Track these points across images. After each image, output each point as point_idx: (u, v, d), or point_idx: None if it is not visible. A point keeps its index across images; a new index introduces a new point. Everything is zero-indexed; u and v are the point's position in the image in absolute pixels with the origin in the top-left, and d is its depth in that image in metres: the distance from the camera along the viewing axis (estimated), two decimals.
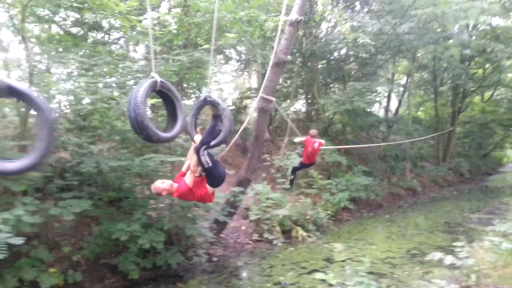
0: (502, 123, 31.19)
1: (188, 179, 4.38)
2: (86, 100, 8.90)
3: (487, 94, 31.01)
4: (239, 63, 20.92)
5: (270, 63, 7.82)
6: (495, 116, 29.63)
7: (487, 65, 25.25)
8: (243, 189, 9.89)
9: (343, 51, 18.31)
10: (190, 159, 4.50)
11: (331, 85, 22.46)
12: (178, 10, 8.62)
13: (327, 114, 18.46)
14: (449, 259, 7.17)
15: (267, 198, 12.46)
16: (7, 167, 3.24)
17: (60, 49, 12.11)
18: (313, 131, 8.68)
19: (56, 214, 6.88)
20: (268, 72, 7.95)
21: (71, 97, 9.07)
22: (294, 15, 8.47)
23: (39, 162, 3.18)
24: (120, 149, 9.54)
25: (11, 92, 3.16)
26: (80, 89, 8.52)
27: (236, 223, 11.84)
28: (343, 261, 10.03)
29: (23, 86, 3.20)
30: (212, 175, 4.47)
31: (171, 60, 8.15)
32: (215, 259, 9.76)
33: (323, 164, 16.56)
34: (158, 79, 4.29)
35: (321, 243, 11.81)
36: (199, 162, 4.34)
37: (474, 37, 20.10)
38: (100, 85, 8.40)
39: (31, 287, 7.18)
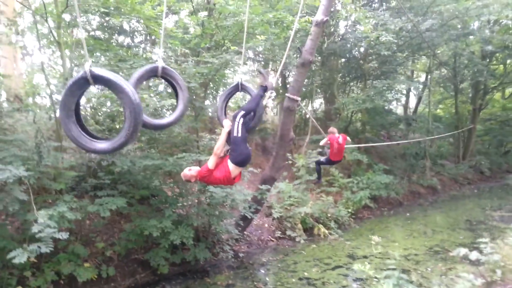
0: None
1: (210, 162, 4.38)
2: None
3: (508, 91, 30.54)
4: (257, 63, 21.13)
5: (295, 63, 8.02)
6: None
7: (508, 61, 24.92)
8: (269, 187, 10.09)
9: (362, 50, 18.41)
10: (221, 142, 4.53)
11: (350, 84, 22.55)
12: (205, 13, 8.81)
13: (347, 112, 18.53)
14: (474, 255, 7.22)
15: (289, 196, 12.66)
16: (100, 147, 3.58)
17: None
18: (332, 129, 8.75)
19: (93, 211, 7.19)
20: (294, 72, 8.14)
21: (101, 99, 9.45)
22: (319, 16, 8.63)
23: (126, 140, 3.39)
24: (147, 149, 9.87)
25: (96, 80, 3.34)
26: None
27: (259, 221, 12.08)
28: (365, 257, 10.20)
29: (107, 73, 3.35)
30: (237, 147, 4.34)
31: (201, 62, 8.40)
32: (241, 255, 10.02)
33: (343, 162, 16.63)
34: (160, 64, 4.31)
35: (343, 240, 11.95)
36: (231, 129, 4.38)
37: (495, 33, 19.83)
38: None
39: (68, 280, 7.57)
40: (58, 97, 8.79)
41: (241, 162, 4.43)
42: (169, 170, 8.79)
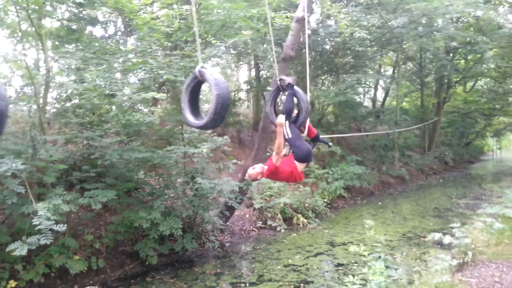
0: (484, 112, 32.37)
1: (274, 158, 4.41)
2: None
3: (469, 85, 32.06)
4: (230, 56, 21.24)
5: (275, 58, 8.28)
6: (477, 106, 30.72)
7: (469, 56, 26.16)
8: None
9: (334, 44, 18.89)
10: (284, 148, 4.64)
11: (322, 77, 23.08)
12: (188, 6, 8.91)
13: (320, 105, 19.03)
14: (447, 239, 7.78)
15: (269, 187, 12.99)
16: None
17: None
18: None
19: (84, 204, 7.25)
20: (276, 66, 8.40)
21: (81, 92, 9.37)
22: (300, 13, 8.94)
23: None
24: (128, 143, 9.91)
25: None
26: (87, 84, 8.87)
27: (240, 211, 12.34)
28: (344, 244, 10.68)
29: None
30: (295, 147, 4.50)
31: (185, 56, 8.53)
32: (227, 244, 10.27)
33: (318, 154, 17.16)
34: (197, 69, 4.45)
35: (321, 228, 12.42)
36: (281, 133, 4.43)
37: (459, 30, 20.85)
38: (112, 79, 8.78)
39: (59, 273, 7.61)
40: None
41: (303, 158, 4.55)
42: (154, 163, 8.93)
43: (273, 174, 4.52)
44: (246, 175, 4.67)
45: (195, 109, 4.15)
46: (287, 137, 4.48)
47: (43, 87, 8.94)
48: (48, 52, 9.89)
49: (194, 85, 4.11)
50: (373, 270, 5.17)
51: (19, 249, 5.43)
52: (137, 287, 7.86)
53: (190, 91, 4.12)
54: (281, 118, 4.51)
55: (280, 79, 4.97)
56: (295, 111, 5.03)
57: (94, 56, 7.81)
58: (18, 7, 8.60)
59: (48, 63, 8.38)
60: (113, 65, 8.86)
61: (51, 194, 6.64)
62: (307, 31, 8.32)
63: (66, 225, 5.84)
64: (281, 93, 5.22)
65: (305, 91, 5.21)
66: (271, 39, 5.84)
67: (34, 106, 8.35)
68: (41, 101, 8.55)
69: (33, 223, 5.38)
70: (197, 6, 9.01)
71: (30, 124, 6.71)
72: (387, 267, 5.37)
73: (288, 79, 4.98)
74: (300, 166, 4.59)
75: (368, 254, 5.91)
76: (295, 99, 4.89)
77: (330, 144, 9.37)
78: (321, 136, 9.75)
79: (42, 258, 7.27)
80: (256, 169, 4.52)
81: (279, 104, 10.01)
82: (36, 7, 8.23)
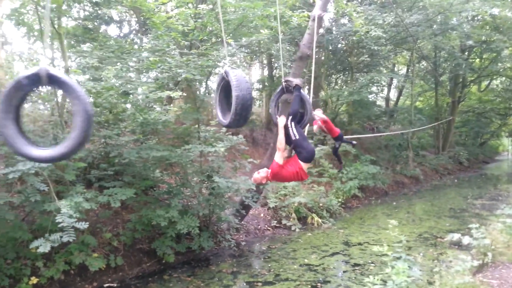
0: (499, 112, 31.99)
1: (278, 157, 4.42)
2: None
3: (484, 84, 31.68)
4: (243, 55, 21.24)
5: (281, 57, 8.26)
6: (492, 105, 30.35)
7: (485, 55, 25.85)
8: None
9: (348, 43, 18.80)
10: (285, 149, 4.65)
11: (335, 76, 23.00)
12: (205, 6, 8.95)
13: (334, 105, 18.96)
14: (467, 239, 7.69)
15: (284, 187, 12.98)
16: (41, 155, 3.11)
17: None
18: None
19: (103, 202, 7.32)
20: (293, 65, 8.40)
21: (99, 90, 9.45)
22: (317, 11, 8.90)
23: (71, 151, 3.03)
24: (144, 141, 9.99)
25: (51, 80, 3.00)
26: (105, 82, 8.95)
27: (254, 211, 12.34)
28: (360, 244, 10.63)
29: (63, 74, 3.05)
30: (301, 148, 4.50)
31: (201, 55, 8.56)
32: (243, 243, 10.29)
33: (332, 154, 17.06)
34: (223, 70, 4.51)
35: (336, 228, 12.37)
36: (287, 135, 4.45)
37: (475, 28, 20.61)
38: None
39: (78, 270, 7.70)
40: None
41: (310, 158, 4.59)
42: (171, 162, 8.99)
43: (278, 175, 4.52)
44: (251, 179, 4.66)
45: (226, 108, 4.17)
46: (293, 138, 4.49)
47: None
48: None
49: (224, 84, 4.14)
50: (397, 270, 5.13)
51: (42, 246, 5.50)
52: (155, 285, 7.90)
53: (220, 91, 4.17)
54: (281, 120, 4.55)
55: (287, 80, 4.98)
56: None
57: (113, 55, 7.86)
58: (38, 7, 8.76)
59: (66, 61, 8.46)
60: (129, 64, 8.95)
61: (72, 192, 6.71)
62: (321, 30, 8.30)
63: (87, 222, 5.88)
64: (284, 94, 5.19)
65: (314, 90, 5.26)
66: (280, 38, 5.82)
67: (54, 105, 8.44)
68: (60, 99, 8.63)
69: (56, 221, 5.44)
70: (213, 5, 9.03)
71: (52, 122, 6.77)
72: (409, 267, 5.33)
73: (296, 81, 4.97)
74: (305, 166, 4.61)
75: (391, 253, 5.85)
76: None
77: (354, 142, 9.25)
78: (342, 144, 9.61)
79: (62, 255, 7.36)
80: (261, 173, 4.50)
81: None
82: (54, 6, 8.33)
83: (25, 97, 3.10)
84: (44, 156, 3.06)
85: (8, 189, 6.63)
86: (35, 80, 2.89)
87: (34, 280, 6.95)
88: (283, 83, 4.97)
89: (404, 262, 5.64)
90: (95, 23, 14.40)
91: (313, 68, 5.72)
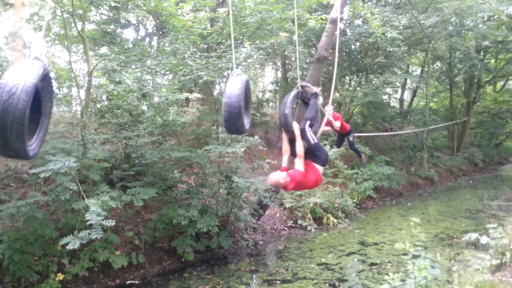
0: None
1: (300, 165, 4.38)
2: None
3: (499, 85, 31.36)
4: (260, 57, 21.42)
5: (297, 59, 8.36)
6: (508, 106, 30.03)
7: (501, 56, 25.62)
8: None
9: (362, 44, 18.84)
10: (287, 152, 4.72)
11: (348, 78, 23.03)
12: (225, 9, 9.13)
13: (348, 106, 19.01)
14: (484, 239, 7.72)
15: None
16: None
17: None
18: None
19: (127, 201, 7.53)
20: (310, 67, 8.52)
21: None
22: (334, 13, 9.00)
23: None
24: (163, 142, 10.22)
25: None
26: (125, 85, 9.21)
27: (270, 211, 12.48)
28: (376, 244, 10.70)
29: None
30: (320, 151, 4.60)
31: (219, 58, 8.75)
32: (260, 242, 10.44)
33: (347, 154, 17.16)
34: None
35: (352, 229, 12.44)
36: (305, 139, 4.49)
37: (491, 29, 20.48)
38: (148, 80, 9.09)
39: (102, 267, 7.93)
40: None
41: (326, 161, 4.74)
42: (190, 162, 9.19)
43: (301, 184, 4.49)
44: (272, 181, 4.48)
45: (245, 112, 4.28)
46: (313, 142, 4.54)
47: (85, 88, 9.30)
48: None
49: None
50: (418, 267, 5.23)
51: (71, 243, 5.71)
52: (176, 283, 8.09)
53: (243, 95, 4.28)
54: (296, 125, 4.60)
55: (306, 87, 5.03)
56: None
57: (136, 58, 8.08)
58: (59, 11, 9.03)
59: (90, 65, 8.71)
60: (150, 67, 9.18)
61: (98, 191, 6.93)
62: (338, 32, 8.38)
63: (113, 220, 6.09)
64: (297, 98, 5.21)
65: (328, 91, 5.34)
66: (296, 40, 5.87)
67: (78, 107, 8.70)
68: (83, 102, 8.89)
69: (86, 218, 5.65)
70: (232, 8, 9.20)
71: (81, 124, 7.01)
72: (431, 265, 5.42)
73: (315, 89, 5.06)
74: (322, 170, 4.68)
75: (412, 250, 5.96)
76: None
77: (363, 159, 9.11)
78: (356, 146, 9.58)
79: (87, 253, 7.59)
80: (278, 174, 4.38)
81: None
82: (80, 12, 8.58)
83: None
84: None
85: (38, 188, 6.88)
86: None
87: (60, 276, 7.20)
88: (301, 88, 5.02)
89: (424, 260, 5.73)
90: (113, 26, 14.73)
91: (335, 70, 5.82)
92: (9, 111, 2.54)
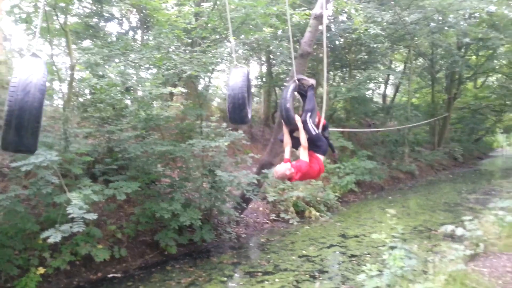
0: (494, 109, 32.39)
1: (305, 156, 4.45)
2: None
3: (480, 81, 32.04)
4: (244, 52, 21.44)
5: (292, 55, 8.46)
6: (488, 102, 30.72)
7: (481, 52, 26.14)
8: (267, 171, 10.63)
9: (348, 40, 19.03)
10: (289, 144, 4.74)
11: (332, 73, 23.23)
12: (209, 3, 9.15)
13: (333, 101, 19.20)
14: (460, 231, 7.97)
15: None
16: None
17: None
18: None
19: (109, 195, 7.55)
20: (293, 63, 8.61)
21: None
22: (318, 9, 9.12)
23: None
24: (146, 136, 10.22)
25: None
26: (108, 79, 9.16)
27: (254, 204, 12.60)
28: (356, 236, 10.92)
29: None
30: (321, 141, 4.68)
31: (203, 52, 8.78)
32: (243, 235, 10.56)
33: (329, 149, 17.33)
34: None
35: (333, 222, 12.66)
36: (307, 131, 4.55)
37: (471, 26, 20.89)
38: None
39: (84, 261, 7.95)
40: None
41: (326, 151, 4.86)
42: (174, 156, 9.24)
43: (307, 174, 4.54)
44: (279, 174, 4.50)
45: (248, 103, 4.35)
46: (314, 133, 4.63)
47: (67, 82, 9.24)
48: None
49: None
50: (394, 257, 5.40)
51: (53, 236, 5.73)
52: (158, 275, 8.14)
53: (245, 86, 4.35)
54: (298, 118, 4.67)
55: (303, 79, 5.13)
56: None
57: (119, 52, 8.06)
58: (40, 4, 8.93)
59: (72, 58, 8.65)
60: (133, 61, 9.16)
61: (80, 185, 6.94)
62: (321, 27, 8.51)
63: (96, 214, 6.12)
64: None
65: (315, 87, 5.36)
66: (289, 35, 5.90)
67: (61, 102, 8.65)
68: (65, 96, 8.84)
69: (67, 212, 5.68)
70: (217, 3, 9.24)
71: (63, 118, 6.99)
72: (404, 256, 5.60)
73: (311, 81, 5.17)
74: (323, 159, 4.80)
75: (390, 241, 6.14)
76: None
77: (336, 154, 9.34)
78: (338, 139, 9.74)
79: (68, 247, 7.59)
80: (285, 166, 4.42)
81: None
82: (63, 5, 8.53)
83: None
84: None
85: (18, 182, 6.85)
86: None
87: (41, 270, 7.20)
88: (297, 81, 5.03)
89: (400, 250, 5.93)
90: (96, 20, 14.56)
91: (325, 66, 5.86)
92: (25, 109, 2.61)
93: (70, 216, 5.80)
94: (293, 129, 4.80)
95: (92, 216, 5.92)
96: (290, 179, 4.54)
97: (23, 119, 2.61)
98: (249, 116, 4.49)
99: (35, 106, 2.64)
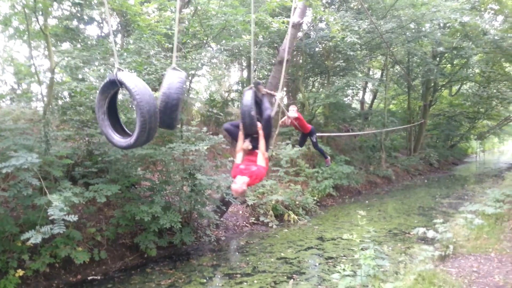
0: (468, 115, 33.38)
1: (262, 161, 4.69)
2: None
3: (454, 89, 32.99)
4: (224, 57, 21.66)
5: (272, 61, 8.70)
6: (462, 109, 31.66)
7: (455, 61, 26.98)
8: None
9: (325, 47, 19.45)
10: (242, 151, 4.96)
11: (312, 79, 23.65)
12: (189, 10, 9.33)
13: (312, 107, 19.56)
14: (431, 233, 8.32)
15: (262, 185, 13.45)
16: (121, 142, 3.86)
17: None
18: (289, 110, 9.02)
19: (89, 197, 7.61)
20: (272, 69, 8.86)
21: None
22: (296, 18, 9.41)
23: (135, 142, 3.68)
24: None
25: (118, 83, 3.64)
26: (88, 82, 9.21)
27: (233, 208, 12.78)
28: (333, 239, 11.19)
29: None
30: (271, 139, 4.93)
31: (189, 58, 8.95)
32: (223, 238, 10.71)
33: (308, 154, 17.68)
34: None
35: (311, 225, 12.92)
36: (270, 128, 4.86)
37: (445, 35, 21.61)
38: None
39: (63, 263, 7.97)
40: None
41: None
42: (154, 160, 9.34)
43: (259, 178, 4.77)
44: (235, 191, 4.59)
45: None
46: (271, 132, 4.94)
47: (46, 85, 9.24)
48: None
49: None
50: (364, 256, 5.65)
51: (33, 237, 5.78)
52: (138, 277, 8.23)
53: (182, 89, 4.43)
54: (260, 125, 4.87)
55: (258, 85, 5.24)
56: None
57: (100, 56, 8.15)
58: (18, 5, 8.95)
59: (52, 61, 8.68)
60: (113, 65, 9.21)
61: (60, 187, 6.99)
62: (300, 34, 8.77)
63: (76, 216, 6.19)
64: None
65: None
66: (252, 43, 6.08)
67: (40, 104, 8.66)
68: (45, 99, 8.85)
69: (48, 213, 5.74)
70: (198, 9, 9.41)
71: (44, 121, 7.03)
72: (376, 256, 5.86)
73: (264, 90, 5.30)
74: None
75: (360, 241, 6.40)
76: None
77: (329, 161, 9.69)
78: (322, 148, 9.91)
79: (48, 249, 7.62)
80: (238, 182, 4.53)
81: None
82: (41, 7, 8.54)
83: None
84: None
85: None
86: None
87: (20, 272, 7.20)
88: (255, 87, 5.14)
89: (371, 250, 6.18)
90: (76, 22, 14.53)
91: (283, 73, 6.09)
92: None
93: (50, 218, 5.86)
94: (249, 134, 4.97)
95: (73, 218, 6.00)
96: (245, 188, 4.63)
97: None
98: (178, 122, 4.35)
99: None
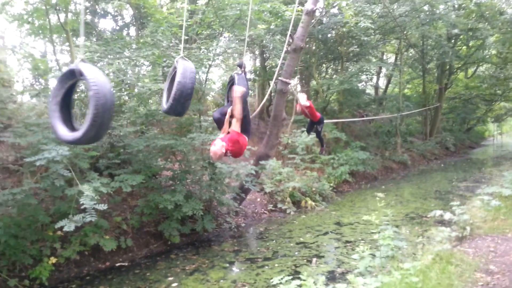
0: (485, 98, 32.91)
1: (236, 127, 4.54)
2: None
3: (470, 71, 32.51)
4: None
5: (285, 49, 8.84)
6: (479, 91, 31.23)
7: (471, 43, 26.58)
8: (264, 163, 11.04)
9: (339, 33, 19.41)
10: (227, 123, 4.74)
11: (325, 66, 23.61)
12: (202, 1, 9.49)
13: (326, 94, 19.61)
14: (448, 215, 8.44)
15: (279, 173, 13.68)
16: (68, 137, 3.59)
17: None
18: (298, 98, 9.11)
19: (116, 187, 7.93)
20: (288, 57, 9.00)
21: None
22: (309, 5, 9.51)
23: (82, 137, 3.39)
24: (146, 131, 10.57)
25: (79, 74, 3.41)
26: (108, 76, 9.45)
27: (251, 195, 13.03)
28: (351, 224, 11.39)
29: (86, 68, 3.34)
30: (249, 126, 4.79)
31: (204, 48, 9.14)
32: (243, 225, 11.00)
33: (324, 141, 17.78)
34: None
35: (329, 211, 13.13)
36: (244, 109, 4.65)
37: (460, 17, 21.31)
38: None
39: (92, 251, 8.34)
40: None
41: (249, 136, 4.93)
42: (174, 150, 9.61)
43: (238, 143, 4.55)
44: (212, 154, 4.50)
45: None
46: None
47: None
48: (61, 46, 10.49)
49: (174, 74, 4.35)
50: (384, 236, 5.84)
51: (67, 226, 6.11)
52: (163, 263, 8.56)
53: (170, 80, 4.50)
54: (239, 89, 4.69)
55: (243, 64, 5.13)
56: None
57: (120, 51, 8.39)
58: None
59: (74, 56, 8.97)
60: (131, 58, 9.47)
61: (88, 178, 7.31)
62: (312, 21, 8.84)
63: (106, 204, 6.49)
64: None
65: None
66: (245, 46, 6.24)
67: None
68: None
69: (81, 203, 6.05)
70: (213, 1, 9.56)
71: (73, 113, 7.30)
72: (395, 237, 6.04)
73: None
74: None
75: (378, 224, 6.57)
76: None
77: (323, 149, 9.88)
78: (333, 131, 10.04)
79: (77, 238, 7.98)
80: (217, 145, 4.41)
81: None
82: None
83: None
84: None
85: (32, 176, 7.20)
86: None
87: (53, 260, 7.58)
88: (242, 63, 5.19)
89: (389, 231, 6.38)
90: (90, 16, 14.79)
91: (280, 60, 6.21)
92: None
93: (82, 207, 6.17)
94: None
95: (102, 207, 6.30)
96: (226, 152, 4.53)
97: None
98: (187, 110, 4.49)
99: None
